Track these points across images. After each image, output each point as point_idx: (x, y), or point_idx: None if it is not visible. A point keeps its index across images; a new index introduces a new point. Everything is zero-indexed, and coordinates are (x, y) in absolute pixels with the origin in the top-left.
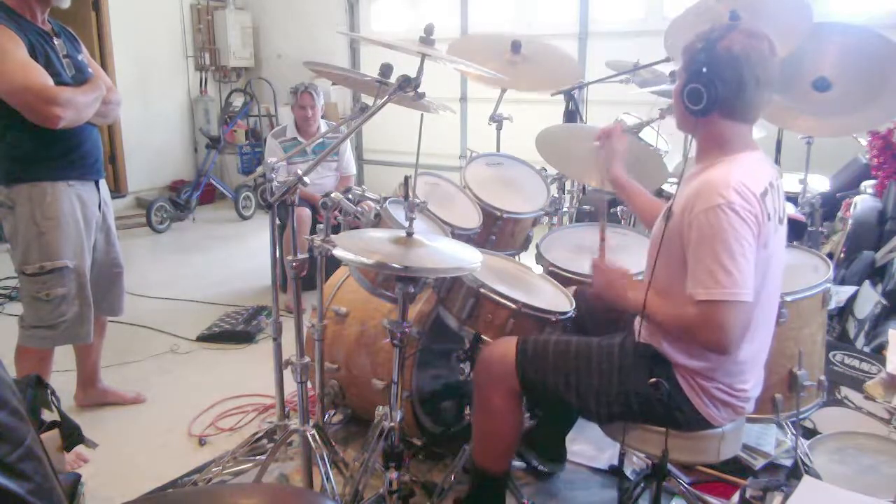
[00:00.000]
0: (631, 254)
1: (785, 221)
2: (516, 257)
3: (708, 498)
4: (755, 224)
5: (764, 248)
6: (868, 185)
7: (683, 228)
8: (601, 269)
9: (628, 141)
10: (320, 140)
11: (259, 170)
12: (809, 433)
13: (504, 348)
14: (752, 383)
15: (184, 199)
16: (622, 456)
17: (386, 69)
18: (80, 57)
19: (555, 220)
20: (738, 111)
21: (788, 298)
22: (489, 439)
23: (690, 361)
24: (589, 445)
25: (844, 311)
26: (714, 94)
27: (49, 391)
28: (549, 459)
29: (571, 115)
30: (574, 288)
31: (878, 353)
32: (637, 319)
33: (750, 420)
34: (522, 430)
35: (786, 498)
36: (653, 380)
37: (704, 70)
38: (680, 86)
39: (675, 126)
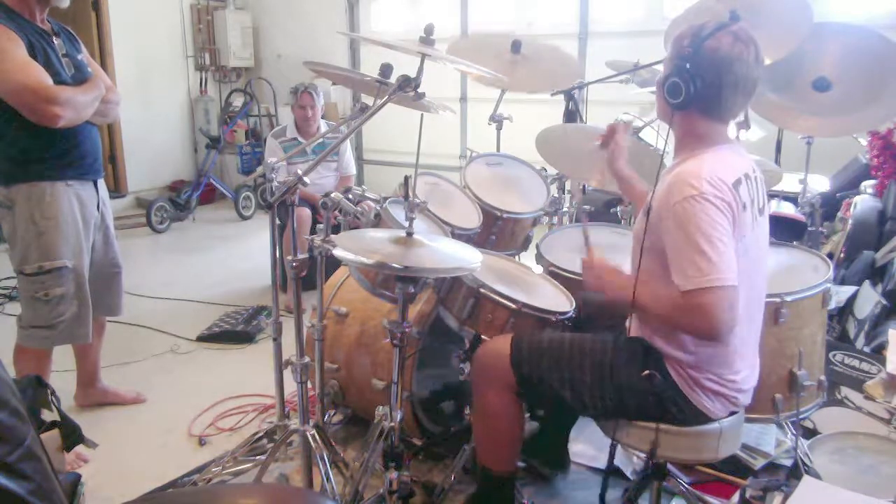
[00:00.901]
0: (629, 253)
1: (766, 213)
2: (516, 257)
3: (708, 498)
4: (729, 211)
5: (741, 239)
6: (868, 185)
7: (661, 222)
8: (590, 265)
9: (628, 142)
10: (320, 140)
11: (259, 170)
12: (809, 433)
13: (499, 347)
14: (744, 374)
15: (184, 199)
16: (612, 452)
17: (386, 69)
18: (79, 56)
19: (555, 220)
20: (715, 110)
21: (788, 298)
22: (491, 440)
23: (680, 353)
24: (589, 445)
25: (844, 311)
26: (692, 91)
27: (49, 391)
28: (552, 465)
29: (571, 115)
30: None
31: (878, 353)
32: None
33: (750, 420)
34: (524, 429)
35: (786, 498)
36: (645, 372)
37: (687, 66)
38: (662, 77)
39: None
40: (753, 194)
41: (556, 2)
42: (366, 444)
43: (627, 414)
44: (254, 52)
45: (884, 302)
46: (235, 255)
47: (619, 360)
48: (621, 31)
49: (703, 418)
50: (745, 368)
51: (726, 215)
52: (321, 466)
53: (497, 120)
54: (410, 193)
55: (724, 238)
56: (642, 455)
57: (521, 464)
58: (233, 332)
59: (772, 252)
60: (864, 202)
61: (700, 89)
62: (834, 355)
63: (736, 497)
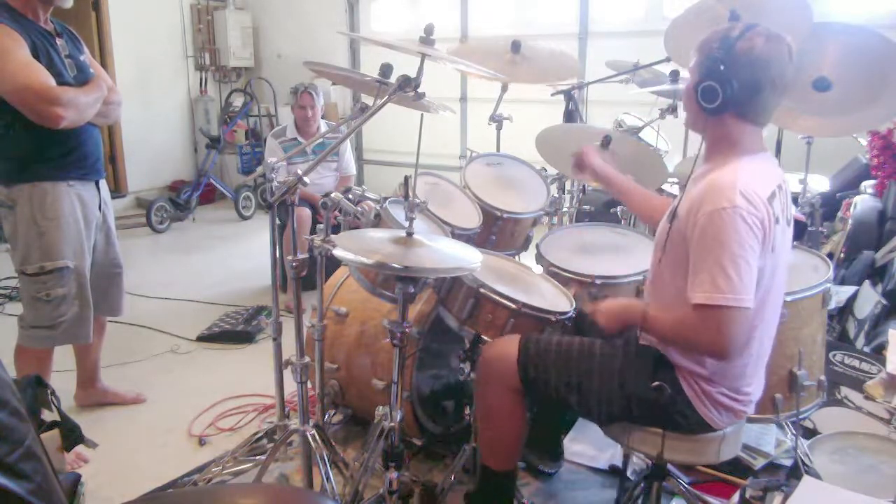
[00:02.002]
0: (631, 254)
1: (791, 223)
2: (516, 257)
3: (708, 498)
4: (760, 230)
5: (772, 252)
6: (868, 185)
7: (688, 230)
8: (601, 311)
9: (628, 142)
10: (320, 140)
11: (259, 170)
12: (809, 433)
13: (506, 347)
14: (755, 386)
15: (184, 199)
16: (626, 458)
17: (386, 69)
18: (81, 57)
19: (555, 220)
20: (751, 113)
21: (788, 298)
22: (493, 438)
23: (695, 366)
24: (589, 445)
25: (844, 311)
26: (729, 93)
27: (49, 391)
28: (545, 456)
29: (571, 115)
30: (574, 289)
31: (878, 353)
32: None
33: (750, 420)
34: (526, 429)
35: (786, 498)
36: (656, 383)
37: (722, 68)
38: (694, 83)
39: (675, 127)
40: (784, 206)
41: (556, 2)
42: (366, 444)
43: (632, 420)
44: (254, 52)
45: (884, 302)
46: (235, 255)
47: (628, 369)
48: (621, 31)
49: (707, 428)
50: (757, 381)
51: (756, 234)
52: (321, 466)
53: (497, 120)
54: (410, 193)
55: (750, 258)
56: (642, 455)
57: (520, 463)
58: (233, 332)
59: None
60: (864, 202)
61: (737, 91)
62: (834, 355)
63: (736, 497)
